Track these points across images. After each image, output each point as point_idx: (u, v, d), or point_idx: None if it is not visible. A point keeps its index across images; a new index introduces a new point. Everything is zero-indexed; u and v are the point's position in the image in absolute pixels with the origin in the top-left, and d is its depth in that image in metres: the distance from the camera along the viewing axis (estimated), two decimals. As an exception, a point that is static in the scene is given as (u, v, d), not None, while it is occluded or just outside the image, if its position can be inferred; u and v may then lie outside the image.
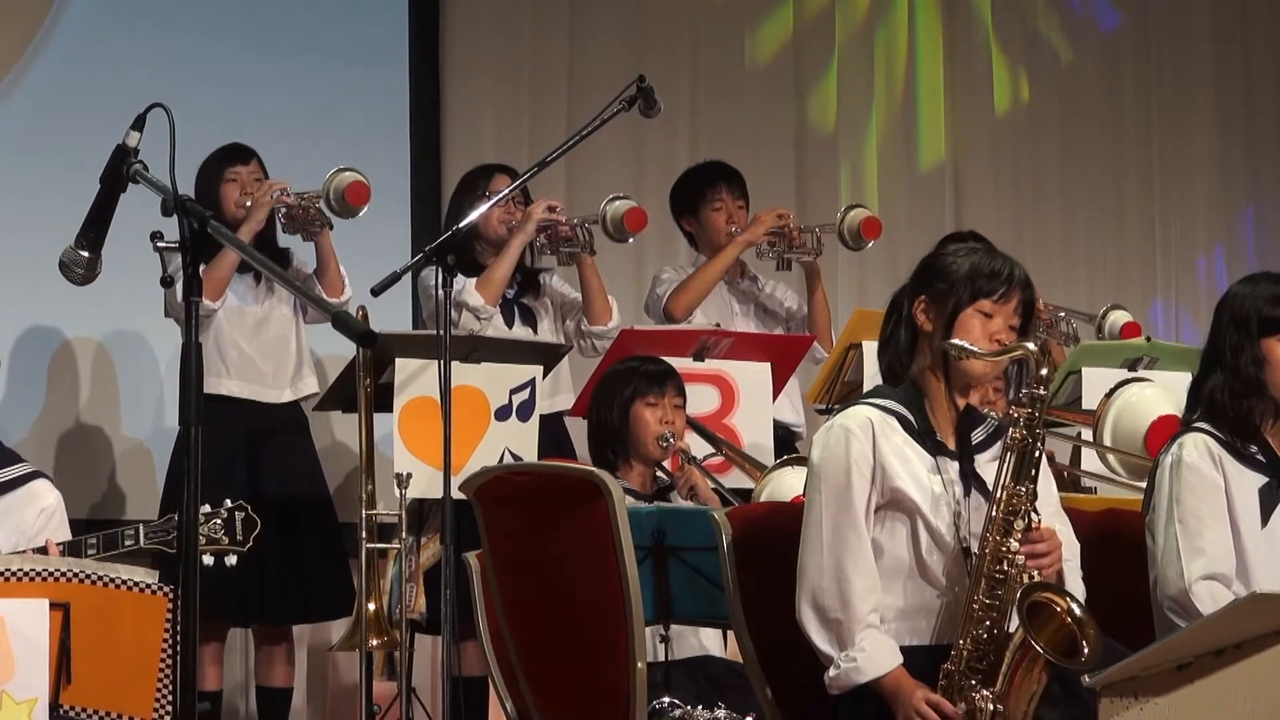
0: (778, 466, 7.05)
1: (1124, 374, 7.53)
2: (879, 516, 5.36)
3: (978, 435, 5.49)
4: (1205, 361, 5.88)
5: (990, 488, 5.34)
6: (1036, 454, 5.28)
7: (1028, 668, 5.14)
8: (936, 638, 5.35)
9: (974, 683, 5.18)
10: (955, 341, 5.31)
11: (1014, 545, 5.22)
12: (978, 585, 5.24)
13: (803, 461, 6.18)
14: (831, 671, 5.27)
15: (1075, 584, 5.40)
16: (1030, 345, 5.32)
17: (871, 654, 5.24)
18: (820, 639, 5.29)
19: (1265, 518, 5.71)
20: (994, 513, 5.26)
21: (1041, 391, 5.31)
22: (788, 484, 6.65)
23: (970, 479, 5.41)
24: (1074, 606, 5.13)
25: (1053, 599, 5.14)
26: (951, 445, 5.43)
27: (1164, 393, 7.21)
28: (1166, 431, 6.88)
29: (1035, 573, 5.20)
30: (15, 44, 8.90)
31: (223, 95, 8.88)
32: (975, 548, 5.28)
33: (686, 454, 7.07)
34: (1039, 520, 5.26)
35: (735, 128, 10.18)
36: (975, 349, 5.32)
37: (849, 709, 5.31)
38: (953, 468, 5.41)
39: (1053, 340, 8.35)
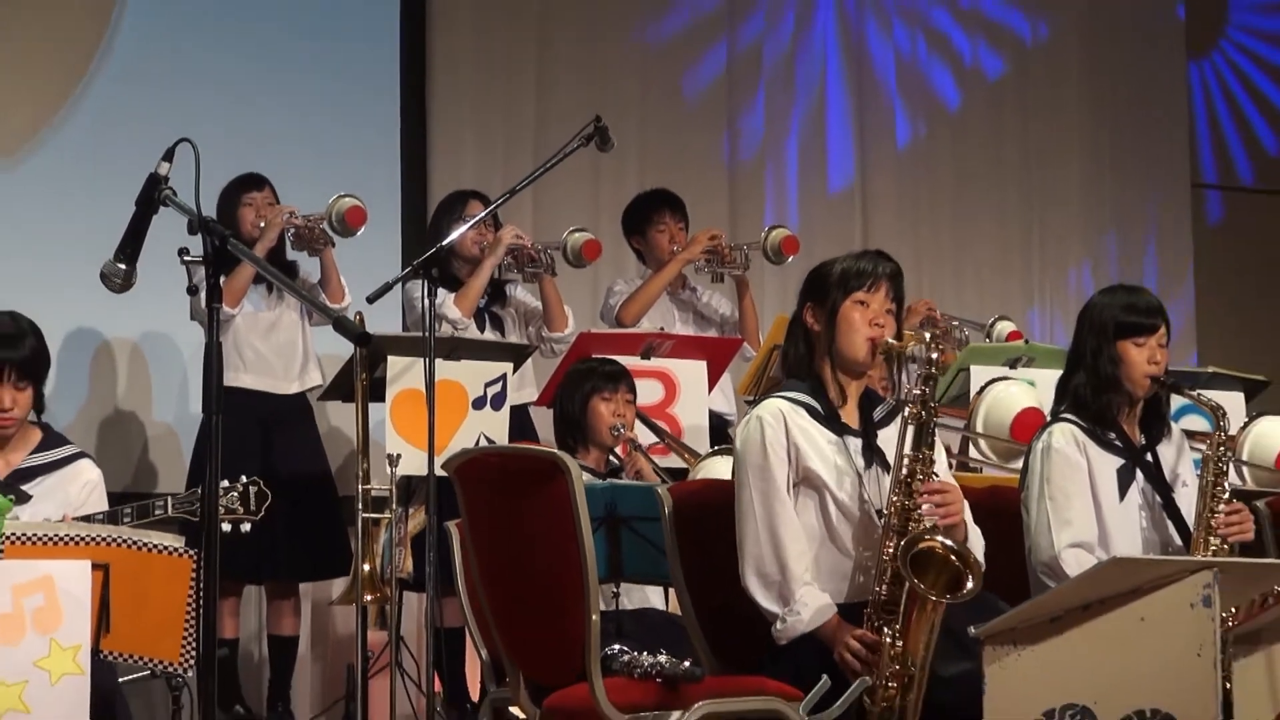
0: (709, 455, 7.12)
1: (1005, 371, 7.58)
2: (794, 493, 5.39)
3: (878, 413, 5.56)
4: (1070, 362, 5.93)
5: (890, 459, 5.40)
6: (931, 426, 5.34)
7: (921, 606, 5.18)
8: (849, 597, 5.38)
9: (887, 619, 5.22)
10: (890, 341, 5.42)
11: (915, 503, 5.27)
12: (887, 540, 5.29)
13: (730, 451, 6.22)
14: (778, 625, 5.31)
15: (975, 531, 5.46)
16: (928, 335, 5.44)
17: (811, 606, 5.29)
18: (765, 600, 5.33)
19: (1122, 493, 5.76)
20: (897, 477, 5.31)
21: (934, 372, 5.40)
22: (716, 470, 6.70)
23: (872, 452, 5.47)
24: (952, 544, 5.18)
25: (932, 544, 5.19)
26: (854, 425, 5.49)
27: (1026, 388, 7.27)
28: (1029, 421, 6.96)
29: (934, 521, 5.25)
30: (68, 82, 8.91)
31: (242, 128, 8.86)
32: (884, 509, 5.33)
33: (634, 443, 7.12)
34: (938, 479, 5.33)
35: (677, 160, 10.19)
36: (895, 344, 5.44)
37: (781, 657, 5.35)
38: (856, 444, 5.46)
39: (947, 345, 8.40)
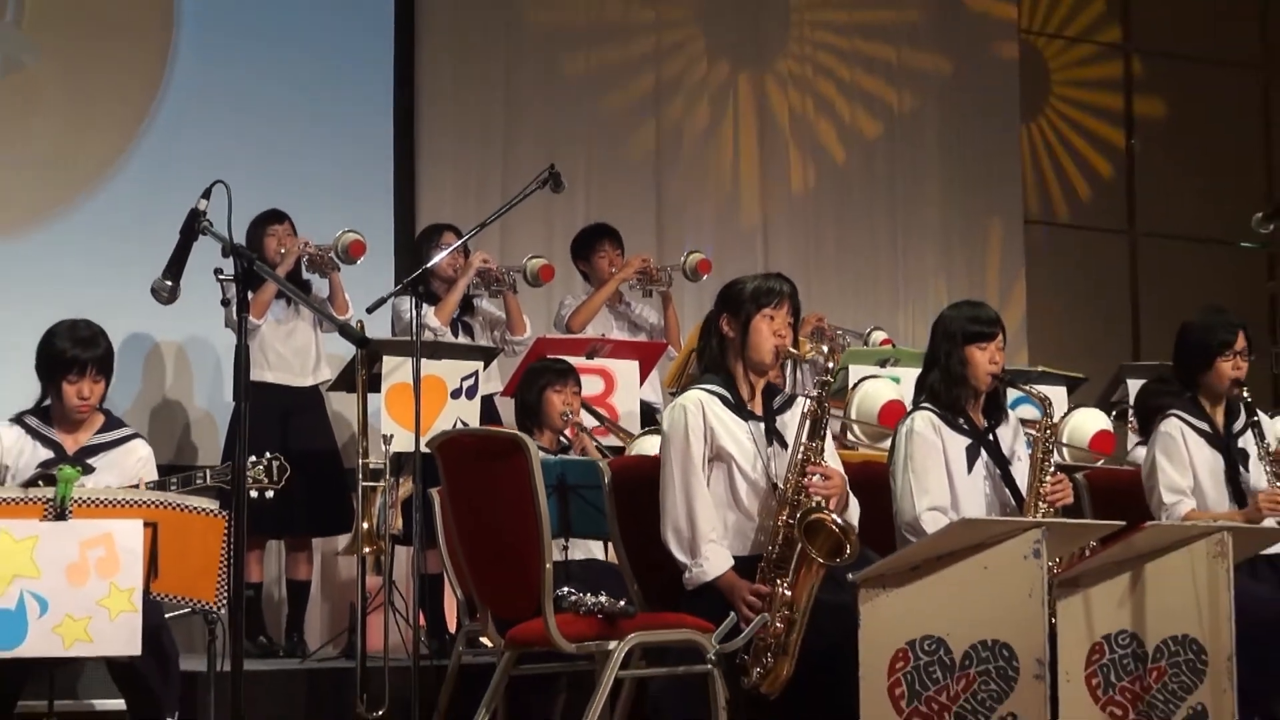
0: (640, 435, 7.15)
1: (876, 370, 7.59)
2: (708, 467, 5.40)
3: (777, 402, 5.56)
4: (926, 362, 5.94)
5: (787, 439, 5.42)
6: (824, 421, 5.35)
7: (808, 566, 5.19)
8: (751, 551, 5.39)
9: (779, 573, 5.23)
10: (792, 351, 5.50)
11: (806, 482, 5.28)
12: (782, 510, 5.29)
13: (657, 432, 6.23)
14: (686, 574, 5.33)
15: (853, 499, 5.46)
16: (825, 348, 5.48)
17: (713, 560, 5.30)
18: (678, 552, 5.34)
19: (970, 467, 5.77)
20: (794, 459, 5.32)
21: (829, 379, 5.44)
22: (647, 447, 6.70)
23: (773, 434, 5.48)
24: (839, 520, 5.19)
25: (823, 518, 5.20)
26: (757, 411, 5.49)
27: (890, 384, 7.30)
28: (892, 411, 6.99)
29: (822, 499, 5.25)
30: (129, 128, 8.89)
31: (267, 170, 8.83)
32: (781, 485, 5.34)
33: (580, 426, 7.12)
34: (826, 464, 5.33)
35: (615, 199, 10.18)
36: (793, 350, 5.50)
37: (696, 598, 5.36)
38: (760, 428, 5.46)
39: (834, 348, 8.43)
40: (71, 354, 5.85)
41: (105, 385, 5.95)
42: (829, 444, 5.48)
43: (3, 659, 5.07)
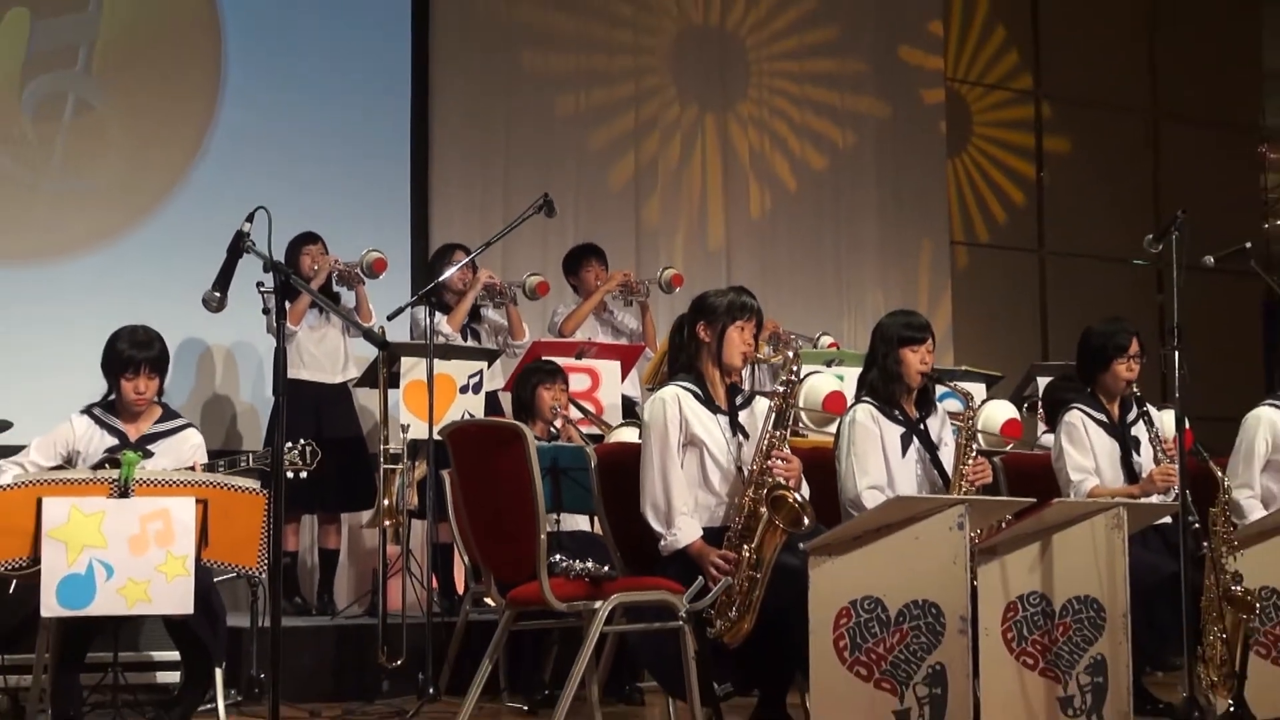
0: (619, 427, 7.16)
1: (822, 368, 7.60)
2: (682, 452, 5.39)
3: (740, 399, 5.56)
4: (867, 363, 5.95)
5: (748, 431, 5.41)
6: (788, 414, 5.36)
7: (772, 532, 5.19)
8: (722, 522, 5.39)
9: (744, 540, 5.23)
10: (759, 356, 5.57)
11: (770, 465, 5.28)
12: (749, 488, 5.29)
13: (633, 425, 6.22)
14: (662, 543, 5.33)
15: (805, 485, 5.45)
16: (790, 353, 5.48)
17: (685, 530, 5.29)
18: (655, 524, 5.33)
19: (904, 452, 5.77)
20: (760, 445, 5.33)
21: (794, 378, 5.45)
22: (624, 435, 6.71)
23: (736, 426, 5.46)
24: (799, 497, 5.20)
25: (786, 494, 5.20)
26: (723, 406, 5.49)
27: (832, 378, 7.32)
28: (833, 402, 7.00)
29: (784, 479, 5.26)
30: (183, 160, 8.85)
31: (302, 195, 8.79)
32: (745, 468, 5.34)
33: (567, 418, 7.11)
34: (788, 450, 5.34)
35: (600, 222, 10.17)
36: (761, 356, 5.58)
37: (669, 564, 5.35)
38: (725, 420, 5.46)
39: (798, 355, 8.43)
40: (129, 354, 5.86)
41: (160, 382, 5.95)
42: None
43: (75, 616, 5.06)
